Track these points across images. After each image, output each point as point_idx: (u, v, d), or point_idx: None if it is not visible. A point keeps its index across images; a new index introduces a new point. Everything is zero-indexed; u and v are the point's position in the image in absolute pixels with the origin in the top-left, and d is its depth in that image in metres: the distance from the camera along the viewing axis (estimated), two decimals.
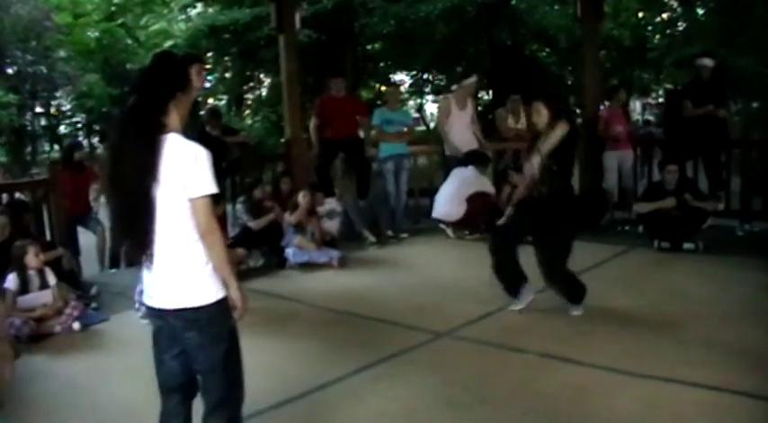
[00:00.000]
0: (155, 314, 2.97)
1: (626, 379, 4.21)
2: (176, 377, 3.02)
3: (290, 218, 7.51)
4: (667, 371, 4.23)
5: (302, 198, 7.55)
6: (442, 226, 8.77)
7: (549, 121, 5.36)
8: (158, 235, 2.82)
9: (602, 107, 9.47)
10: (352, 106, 8.98)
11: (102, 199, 8.18)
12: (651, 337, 4.91)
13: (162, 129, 2.80)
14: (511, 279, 5.60)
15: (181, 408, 3.06)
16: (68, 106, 21.20)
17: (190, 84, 3.08)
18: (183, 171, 2.75)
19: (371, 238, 8.39)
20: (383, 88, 19.43)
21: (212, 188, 2.80)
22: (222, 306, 2.88)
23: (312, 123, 8.95)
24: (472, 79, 9.56)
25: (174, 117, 2.88)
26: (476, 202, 8.53)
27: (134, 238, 2.89)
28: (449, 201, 8.62)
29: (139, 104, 2.89)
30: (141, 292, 5.54)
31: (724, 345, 4.67)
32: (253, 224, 7.54)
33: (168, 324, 2.93)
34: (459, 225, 8.62)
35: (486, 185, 8.69)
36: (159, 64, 3.14)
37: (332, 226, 8.20)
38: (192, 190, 2.76)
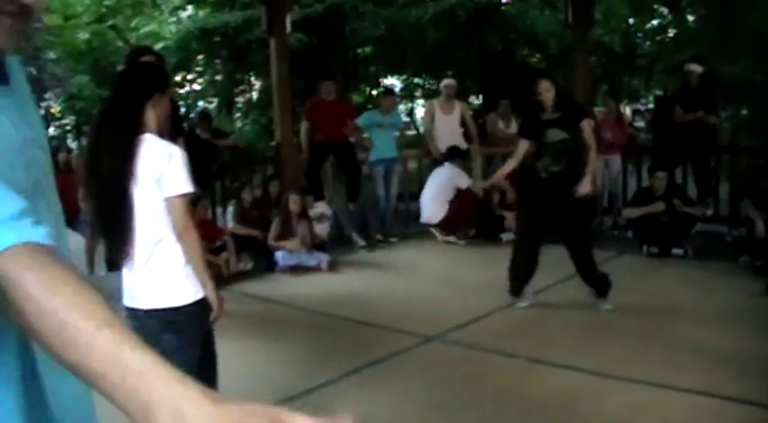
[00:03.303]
0: (132, 315, 2.95)
1: (614, 384, 4.22)
2: None
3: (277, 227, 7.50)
4: (655, 376, 4.24)
5: (293, 204, 7.52)
6: (432, 230, 8.76)
7: (554, 99, 5.45)
8: (137, 235, 2.81)
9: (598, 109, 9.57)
10: (343, 110, 8.97)
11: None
12: (639, 342, 4.92)
13: (139, 128, 2.80)
14: (528, 276, 5.73)
15: None
16: (58, 108, 21.09)
17: (168, 85, 3.09)
18: (159, 171, 2.75)
19: (361, 242, 8.37)
20: (374, 92, 19.44)
21: (188, 187, 2.80)
22: (200, 307, 2.87)
23: (303, 127, 8.94)
24: (447, 81, 9.61)
25: (151, 117, 2.87)
26: (458, 203, 8.55)
27: (112, 235, 2.89)
28: (431, 201, 8.66)
29: (117, 103, 2.91)
30: None
31: (712, 350, 4.69)
32: (231, 225, 7.52)
33: (145, 327, 2.90)
34: (446, 228, 8.60)
35: (464, 179, 8.68)
36: (138, 64, 3.15)
37: (322, 229, 8.19)
38: (167, 189, 2.76)
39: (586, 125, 5.64)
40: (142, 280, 2.86)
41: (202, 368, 2.92)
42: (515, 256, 5.74)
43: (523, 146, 5.66)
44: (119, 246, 2.86)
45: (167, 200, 2.77)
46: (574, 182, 5.50)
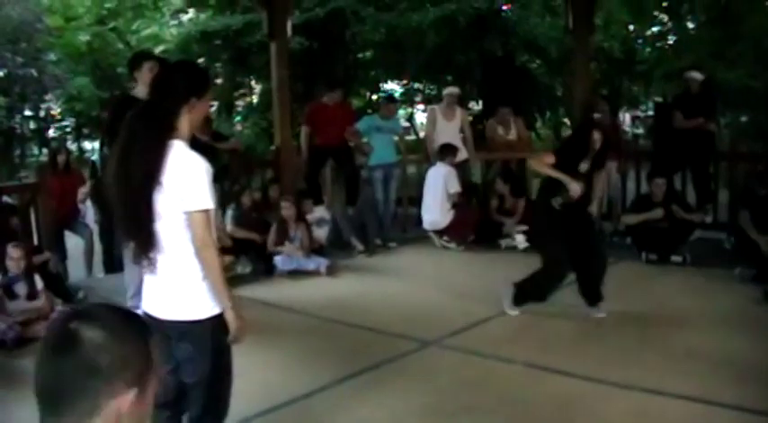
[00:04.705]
0: (151, 322, 2.94)
1: (612, 390, 4.22)
2: (168, 392, 2.98)
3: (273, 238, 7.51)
4: (654, 382, 4.24)
5: (286, 210, 7.52)
6: (431, 235, 8.75)
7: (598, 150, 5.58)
8: (159, 242, 2.78)
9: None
10: (343, 114, 8.96)
11: (89, 202, 8.13)
12: (638, 348, 4.93)
13: (171, 132, 2.75)
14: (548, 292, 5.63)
15: None
16: (58, 109, 21.10)
17: (207, 89, 2.99)
18: (181, 183, 2.70)
19: (360, 247, 8.36)
20: (374, 97, 19.44)
21: (208, 204, 2.74)
22: (217, 321, 2.82)
23: (303, 131, 8.93)
24: (450, 89, 9.63)
25: (185, 123, 2.81)
26: (465, 211, 8.58)
27: (137, 238, 2.84)
28: (434, 206, 8.65)
29: (152, 104, 2.84)
30: (134, 297, 5.51)
31: (710, 356, 4.69)
32: (230, 228, 7.52)
33: (162, 334, 2.90)
34: (451, 234, 8.58)
35: (454, 182, 8.67)
36: (179, 64, 3.09)
37: (321, 234, 8.19)
38: (187, 203, 2.71)
39: (599, 179, 5.83)
40: (161, 289, 2.84)
41: (215, 379, 2.90)
42: (549, 276, 5.55)
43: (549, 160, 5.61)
44: (144, 247, 2.81)
45: (187, 214, 2.72)
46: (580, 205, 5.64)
